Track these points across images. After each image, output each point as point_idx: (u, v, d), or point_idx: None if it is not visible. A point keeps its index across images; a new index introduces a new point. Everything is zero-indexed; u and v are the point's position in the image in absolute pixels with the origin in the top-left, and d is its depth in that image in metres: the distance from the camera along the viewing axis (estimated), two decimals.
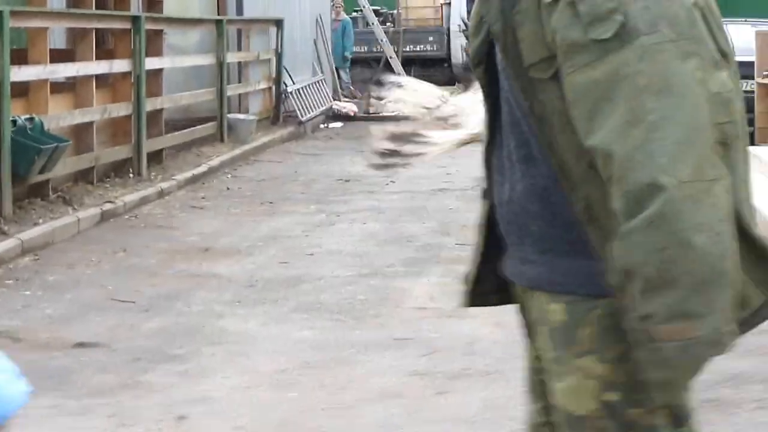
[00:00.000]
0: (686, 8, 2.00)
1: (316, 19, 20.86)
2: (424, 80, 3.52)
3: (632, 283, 1.94)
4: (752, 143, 12.95)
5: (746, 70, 13.64)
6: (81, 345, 6.37)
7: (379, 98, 3.40)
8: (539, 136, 2.10)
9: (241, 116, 15.86)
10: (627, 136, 1.93)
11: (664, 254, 1.90)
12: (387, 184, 12.05)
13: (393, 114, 3.25)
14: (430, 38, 26.83)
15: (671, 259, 1.90)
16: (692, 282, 1.90)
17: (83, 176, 11.08)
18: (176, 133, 13.67)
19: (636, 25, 1.96)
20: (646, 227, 1.90)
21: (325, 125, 18.95)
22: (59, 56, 11.13)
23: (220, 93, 14.97)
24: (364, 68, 24.25)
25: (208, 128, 14.73)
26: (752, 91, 13.57)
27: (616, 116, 1.94)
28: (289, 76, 17.92)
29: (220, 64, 14.96)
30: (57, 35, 12.76)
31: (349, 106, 20.09)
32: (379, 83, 3.39)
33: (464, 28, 22.78)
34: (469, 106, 2.98)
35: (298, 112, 17.73)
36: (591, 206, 2.05)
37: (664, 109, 1.92)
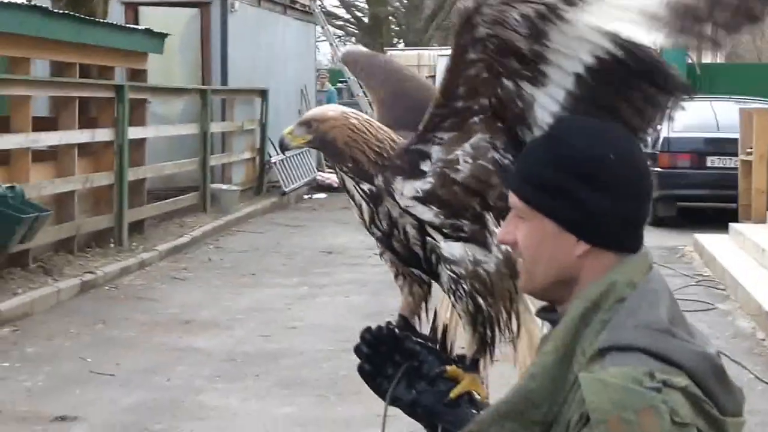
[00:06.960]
0: None
1: (301, 90, 20.91)
2: None
3: None
4: (735, 220, 12.95)
5: (731, 147, 13.73)
6: (60, 419, 6.27)
7: None
8: None
9: (224, 186, 15.80)
10: None
11: None
12: (370, 257, 11.98)
13: None
14: None
15: None
16: None
17: (64, 246, 10.97)
18: (158, 203, 13.60)
19: None
20: None
21: (309, 196, 18.92)
22: (42, 124, 11.05)
23: (204, 163, 14.93)
24: None
25: (190, 198, 14.67)
26: (736, 168, 13.61)
27: None
28: (273, 146, 17.89)
29: (204, 134, 14.93)
30: (40, 103, 12.71)
31: (333, 177, 20.02)
32: None
33: None
34: None
35: (281, 182, 17.70)
36: None
37: None
